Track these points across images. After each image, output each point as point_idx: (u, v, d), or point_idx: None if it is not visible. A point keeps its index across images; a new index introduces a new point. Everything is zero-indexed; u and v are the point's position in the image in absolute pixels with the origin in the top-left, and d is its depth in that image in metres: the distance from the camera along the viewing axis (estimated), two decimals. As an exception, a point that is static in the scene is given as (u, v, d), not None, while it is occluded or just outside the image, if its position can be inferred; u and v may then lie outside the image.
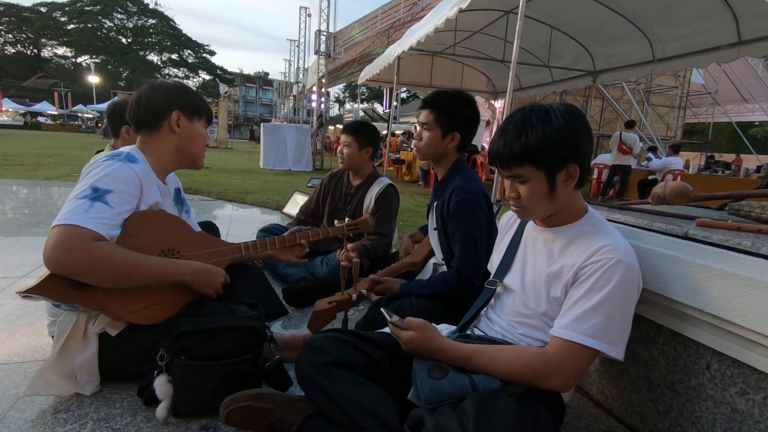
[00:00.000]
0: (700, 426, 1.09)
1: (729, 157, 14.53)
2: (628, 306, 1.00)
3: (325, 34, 11.48)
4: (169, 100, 1.38)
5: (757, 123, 19.57)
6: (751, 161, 13.44)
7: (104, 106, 31.64)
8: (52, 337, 1.31)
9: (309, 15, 16.87)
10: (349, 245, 2.21)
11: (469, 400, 0.92)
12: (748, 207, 1.25)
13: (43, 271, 1.14)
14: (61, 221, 1.10)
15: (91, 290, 1.18)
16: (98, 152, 2.07)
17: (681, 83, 14.83)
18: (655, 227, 1.21)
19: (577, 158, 1.03)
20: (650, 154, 8.68)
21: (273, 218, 4.64)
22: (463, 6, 4.72)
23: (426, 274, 2.09)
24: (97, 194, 1.15)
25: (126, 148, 1.35)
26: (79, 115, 37.17)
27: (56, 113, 35.70)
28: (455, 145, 1.66)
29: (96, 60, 43.68)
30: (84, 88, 39.31)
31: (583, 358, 0.99)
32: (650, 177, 8.32)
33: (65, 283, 1.14)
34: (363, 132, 2.54)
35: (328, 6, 11.73)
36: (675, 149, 8.64)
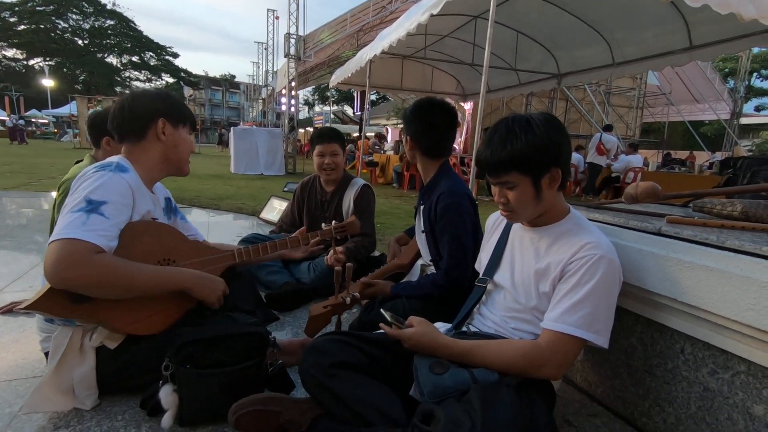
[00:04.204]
0: (677, 405, 1.19)
1: (683, 154, 15.36)
2: (612, 298, 1.10)
3: (294, 37, 11.41)
4: (155, 108, 1.37)
5: (707, 122, 20.75)
6: (703, 157, 14.26)
7: (60, 111, 30.18)
8: (45, 353, 1.29)
9: (277, 18, 16.71)
10: (337, 248, 2.23)
11: (473, 393, 0.98)
12: (710, 204, 1.38)
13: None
14: (59, 236, 1.09)
15: (91, 304, 1.17)
16: (77, 162, 2.02)
17: (638, 85, 15.58)
18: (630, 225, 1.32)
19: (559, 162, 1.11)
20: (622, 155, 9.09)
21: (249, 223, 4.61)
22: (435, 11, 4.83)
23: (414, 275, 2.15)
24: (92, 206, 1.14)
25: (114, 158, 1.33)
26: (33, 120, 35.31)
27: (8, 119, 33.78)
28: (415, 149, 1.75)
29: (50, 62, 41.55)
30: (37, 92, 37.30)
31: (573, 348, 1.07)
32: (613, 175, 8.72)
33: (64, 298, 1.13)
34: (342, 137, 2.59)
35: (297, 9, 11.66)
36: (634, 147, 9.08)
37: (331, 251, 2.24)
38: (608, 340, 1.08)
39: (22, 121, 23.82)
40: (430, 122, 1.70)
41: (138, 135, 1.36)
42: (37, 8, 40.92)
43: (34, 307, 1.10)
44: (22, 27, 40.81)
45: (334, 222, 1.84)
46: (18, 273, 2.47)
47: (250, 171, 10.84)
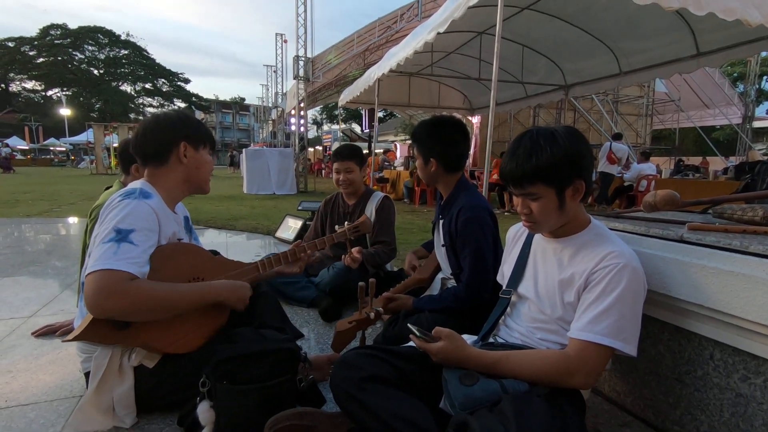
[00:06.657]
0: (709, 412, 1.19)
1: (696, 160, 15.19)
2: (637, 306, 1.11)
3: (303, 59, 11.69)
4: (176, 132, 1.41)
5: (719, 127, 20.54)
6: (716, 163, 14.09)
7: (78, 138, 31.03)
8: (86, 373, 1.33)
9: (285, 41, 17.17)
10: (353, 248, 2.29)
11: (505, 403, 0.99)
12: (730, 210, 1.39)
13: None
14: (93, 268, 1.14)
15: (131, 329, 1.23)
16: (107, 189, 2.10)
17: (646, 92, 15.55)
18: (652, 233, 1.33)
19: (582, 174, 1.14)
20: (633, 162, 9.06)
21: (265, 242, 4.68)
22: (441, 30, 4.93)
23: (434, 289, 2.16)
24: (121, 235, 1.19)
25: (137, 184, 1.38)
26: (51, 148, 36.43)
27: (27, 148, 34.94)
28: (438, 169, 1.76)
29: (67, 93, 42.97)
30: (55, 121, 38.51)
31: (601, 357, 1.08)
32: (625, 184, 8.67)
33: (107, 326, 1.19)
34: (360, 154, 2.69)
35: (305, 32, 11.98)
36: (646, 156, 9.04)
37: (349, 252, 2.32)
38: (636, 348, 1.09)
39: (7, 150, 24.74)
40: (447, 138, 1.74)
41: (161, 159, 1.41)
42: (55, 42, 42.52)
43: (80, 338, 1.16)
44: (41, 60, 42.34)
45: (347, 223, 1.88)
46: (48, 297, 2.55)
47: (263, 191, 11.02)
